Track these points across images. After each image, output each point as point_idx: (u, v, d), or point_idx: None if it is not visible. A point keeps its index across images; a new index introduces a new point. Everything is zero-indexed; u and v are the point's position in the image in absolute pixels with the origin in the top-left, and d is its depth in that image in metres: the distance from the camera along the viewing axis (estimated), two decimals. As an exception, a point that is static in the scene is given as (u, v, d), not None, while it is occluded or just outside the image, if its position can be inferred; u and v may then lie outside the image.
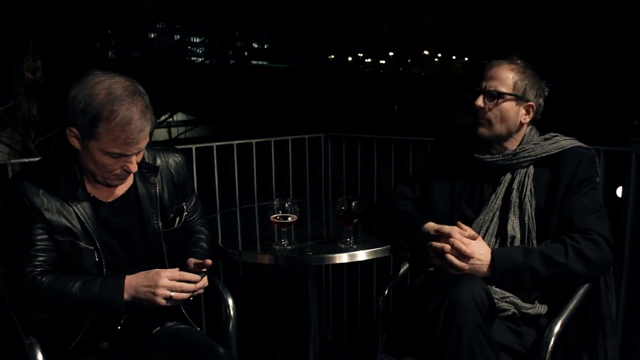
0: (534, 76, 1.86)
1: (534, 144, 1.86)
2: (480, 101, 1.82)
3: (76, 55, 6.83)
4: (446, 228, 1.75)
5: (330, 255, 1.88)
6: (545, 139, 1.88)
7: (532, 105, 1.86)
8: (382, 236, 1.97)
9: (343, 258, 1.87)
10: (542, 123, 1.97)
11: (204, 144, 2.94)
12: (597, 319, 1.79)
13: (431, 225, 1.81)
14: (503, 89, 1.81)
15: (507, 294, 1.67)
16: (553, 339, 1.57)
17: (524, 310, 1.66)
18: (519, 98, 1.83)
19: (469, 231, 1.75)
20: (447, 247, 1.69)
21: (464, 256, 1.68)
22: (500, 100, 1.81)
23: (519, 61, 1.86)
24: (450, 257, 1.69)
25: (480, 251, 1.70)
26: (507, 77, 1.82)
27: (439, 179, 1.97)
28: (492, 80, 1.82)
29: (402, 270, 2.11)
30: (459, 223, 1.77)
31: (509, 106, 1.82)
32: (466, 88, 1.90)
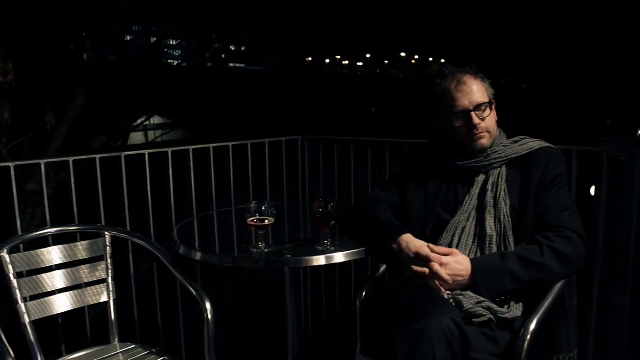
0: (484, 76, 1.94)
1: (504, 146, 1.93)
2: (476, 119, 1.87)
3: (49, 58, 6.74)
4: (424, 252, 1.76)
5: (308, 258, 1.87)
6: (515, 142, 1.96)
7: (494, 103, 1.95)
8: (360, 242, 1.97)
9: (320, 260, 1.87)
10: (514, 123, 2.03)
11: (180, 148, 2.92)
12: (561, 311, 1.82)
13: (408, 239, 1.82)
14: (485, 99, 1.89)
15: (482, 298, 1.68)
16: (529, 337, 1.58)
17: (500, 315, 1.67)
18: (493, 102, 1.92)
19: (442, 250, 1.77)
20: (427, 271, 1.71)
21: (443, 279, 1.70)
22: (488, 110, 1.89)
23: (467, 68, 1.93)
24: (431, 282, 1.71)
25: (459, 268, 1.71)
26: (479, 87, 1.91)
27: (414, 182, 2.01)
28: (473, 95, 1.88)
29: (379, 272, 2.12)
30: (430, 245, 1.79)
31: (492, 112, 1.91)
32: (443, 117, 1.93)
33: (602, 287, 2.42)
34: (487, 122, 1.89)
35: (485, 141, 1.90)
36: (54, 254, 2.14)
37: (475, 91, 1.88)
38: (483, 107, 1.88)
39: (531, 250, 1.73)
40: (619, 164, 2.33)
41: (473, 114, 1.87)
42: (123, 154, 2.71)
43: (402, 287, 1.80)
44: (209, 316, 1.92)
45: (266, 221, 1.92)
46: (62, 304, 2.14)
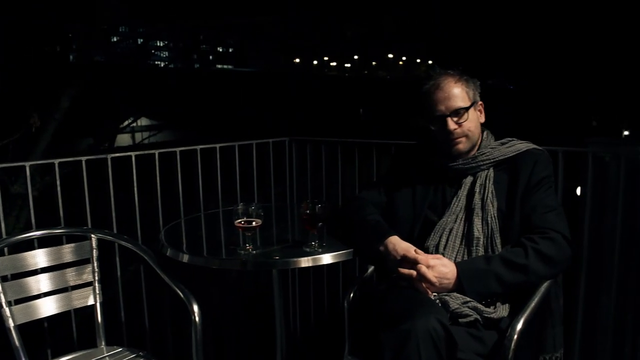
0: (469, 77, 1.94)
1: (492, 148, 1.93)
2: (451, 124, 1.87)
3: (35, 59, 6.68)
4: (411, 254, 1.76)
5: (295, 259, 1.87)
6: (502, 143, 1.96)
7: (481, 104, 1.95)
8: (347, 243, 1.97)
9: (308, 262, 1.86)
10: (502, 124, 2.04)
11: (167, 149, 2.91)
12: (547, 311, 1.83)
13: (395, 241, 1.83)
14: (463, 104, 1.88)
15: (468, 298, 1.69)
16: (516, 337, 1.58)
17: (486, 315, 1.68)
18: (474, 104, 1.91)
19: (428, 255, 1.77)
20: (414, 273, 1.71)
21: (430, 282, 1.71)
22: (466, 115, 1.88)
23: (450, 72, 1.93)
24: (418, 284, 1.71)
25: (445, 271, 1.72)
26: (459, 92, 1.89)
27: (402, 183, 2.01)
28: (450, 100, 1.87)
29: (367, 273, 2.12)
30: (416, 249, 1.79)
31: (472, 116, 1.90)
32: (424, 120, 1.94)
33: (588, 286, 2.44)
34: (465, 126, 1.88)
35: (461, 146, 1.90)
36: (40, 257, 2.12)
37: (453, 96, 1.87)
38: (461, 112, 1.87)
39: (516, 252, 1.73)
40: (604, 165, 2.36)
41: (449, 119, 1.87)
42: (109, 156, 2.69)
43: (389, 288, 1.80)
44: (197, 318, 1.91)
45: (253, 223, 1.91)
46: (48, 307, 2.12)
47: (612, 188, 2.34)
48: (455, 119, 1.87)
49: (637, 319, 2.36)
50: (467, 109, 1.88)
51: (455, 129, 1.87)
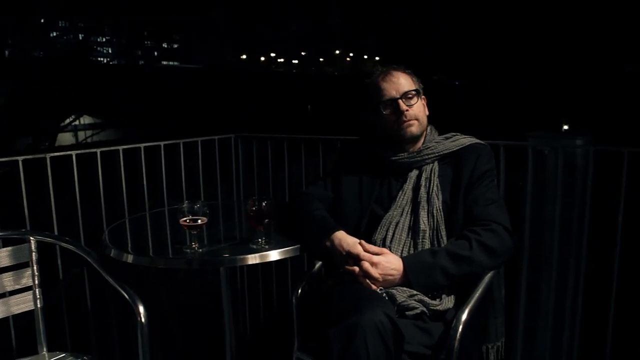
0: (411, 72, 2.01)
1: (436, 142, 1.98)
2: (403, 105, 1.92)
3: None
4: (354, 250, 1.77)
5: (242, 257, 1.85)
6: (446, 138, 2.01)
7: (424, 98, 2.02)
8: (294, 239, 1.97)
9: (255, 259, 1.85)
10: (446, 120, 2.08)
11: (109, 148, 2.83)
12: (489, 302, 1.89)
13: (341, 236, 1.83)
14: (411, 88, 1.95)
15: (415, 291, 1.72)
16: (461, 327, 1.61)
17: (432, 307, 1.71)
18: (420, 93, 1.98)
19: (373, 249, 1.78)
20: (357, 269, 1.73)
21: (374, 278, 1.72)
22: (415, 98, 1.95)
23: (394, 65, 2.01)
24: (362, 280, 1.73)
25: (390, 267, 1.73)
26: (406, 79, 1.97)
27: (348, 178, 2.03)
28: (400, 85, 1.94)
29: (315, 268, 2.13)
30: (362, 242, 1.80)
31: (420, 102, 1.98)
32: (373, 109, 1.98)
33: (529, 275, 2.52)
34: (415, 109, 1.94)
35: (414, 129, 1.94)
36: (-26, 262, 2.03)
37: (401, 81, 1.95)
38: (410, 95, 1.94)
39: (460, 245, 1.77)
40: (543, 158, 2.43)
41: (400, 101, 1.92)
42: (48, 155, 2.60)
43: (337, 283, 1.81)
44: (142, 319, 1.87)
45: (199, 221, 1.89)
46: (-16, 314, 2.04)
47: (550, 180, 2.41)
48: (405, 101, 1.93)
49: (575, 304, 2.45)
50: (415, 92, 1.95)
51: (407, 110, 1.92)
